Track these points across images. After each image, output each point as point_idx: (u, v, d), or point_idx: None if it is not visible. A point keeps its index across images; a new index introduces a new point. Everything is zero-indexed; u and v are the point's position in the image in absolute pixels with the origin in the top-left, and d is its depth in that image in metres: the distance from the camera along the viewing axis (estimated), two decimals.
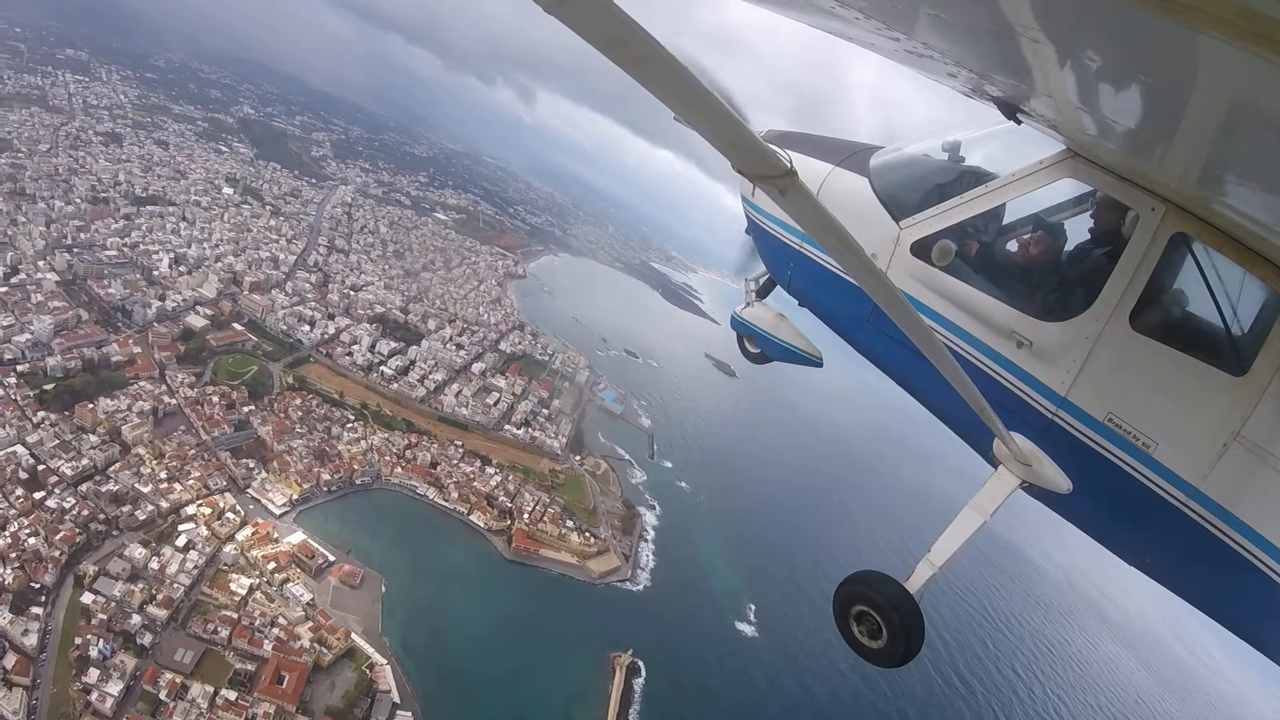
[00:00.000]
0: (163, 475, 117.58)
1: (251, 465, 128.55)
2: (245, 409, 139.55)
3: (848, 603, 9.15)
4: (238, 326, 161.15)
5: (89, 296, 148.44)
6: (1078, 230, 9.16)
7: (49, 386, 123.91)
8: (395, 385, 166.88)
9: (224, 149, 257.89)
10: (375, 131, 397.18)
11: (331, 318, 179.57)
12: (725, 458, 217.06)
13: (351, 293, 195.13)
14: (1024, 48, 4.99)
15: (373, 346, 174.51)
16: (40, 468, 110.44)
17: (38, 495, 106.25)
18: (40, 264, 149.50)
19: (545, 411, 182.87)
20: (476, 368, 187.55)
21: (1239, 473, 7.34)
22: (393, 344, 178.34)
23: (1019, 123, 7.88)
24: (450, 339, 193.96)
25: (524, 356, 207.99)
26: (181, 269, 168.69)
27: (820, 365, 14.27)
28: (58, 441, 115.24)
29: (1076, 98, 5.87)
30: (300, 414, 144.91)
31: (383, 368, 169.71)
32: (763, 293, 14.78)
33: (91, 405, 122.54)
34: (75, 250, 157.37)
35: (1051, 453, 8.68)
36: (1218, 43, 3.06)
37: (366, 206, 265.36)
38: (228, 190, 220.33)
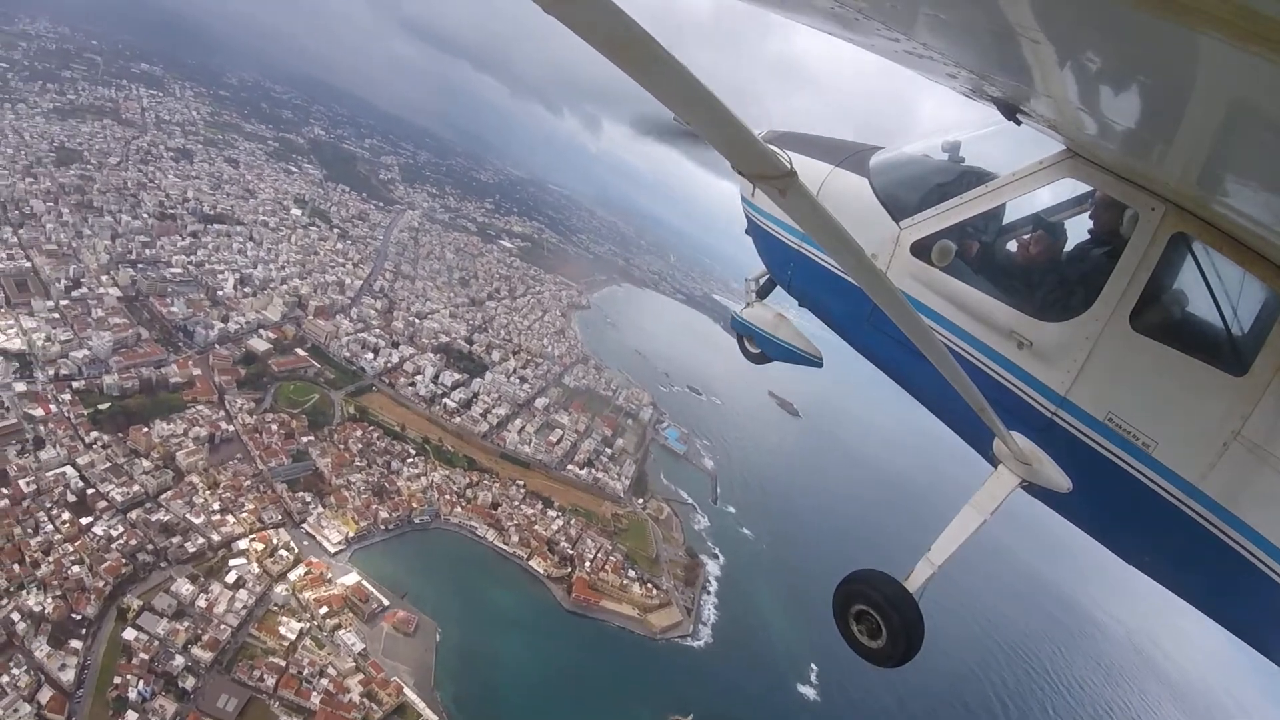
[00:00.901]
0: (216, 506, 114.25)
1: (308, 499, 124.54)
2: (304, 439, 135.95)
3: (847, 602, 8.98)
4: (300, 352, 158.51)
5: (150, 314, 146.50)
6: (1078, 230, 9.18)
7: (104, 406, 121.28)
8: (458, 419, 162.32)
9: (293, 169, 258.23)
10: (443, 156, 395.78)
11: (395, 346, 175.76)
12: (788, 503, 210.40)
13: (416, 320, 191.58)
14: (1024, 48, 4.95)
15: (436, 377, 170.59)
16: (89, 491, 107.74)
17: (85, 520, 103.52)
18: (103, 279, 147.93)
19: (608, 451, 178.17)
20: (540, 402, 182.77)
21: (1239, 472, 7.30)
22: (456, 375, 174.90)
23: (1019, 123, 7.80)
24: (514, 371, 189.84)
25: (588, 391, 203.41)
26: (246, 290, 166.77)
27: (820, 365, 14.27)
28: (109, 464, 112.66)
29: (1076, 98, 5.80)
30: (360, 446, 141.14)
31: (446, 400, 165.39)
32: (763, 293, 14.67)
33: (146, 429, 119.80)
34: (139, 266, 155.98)
35: (1051, 452, 8.60)
36: (1218, 43, 3.11)
37: (433, 232, 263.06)
38: (296, 211, 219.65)
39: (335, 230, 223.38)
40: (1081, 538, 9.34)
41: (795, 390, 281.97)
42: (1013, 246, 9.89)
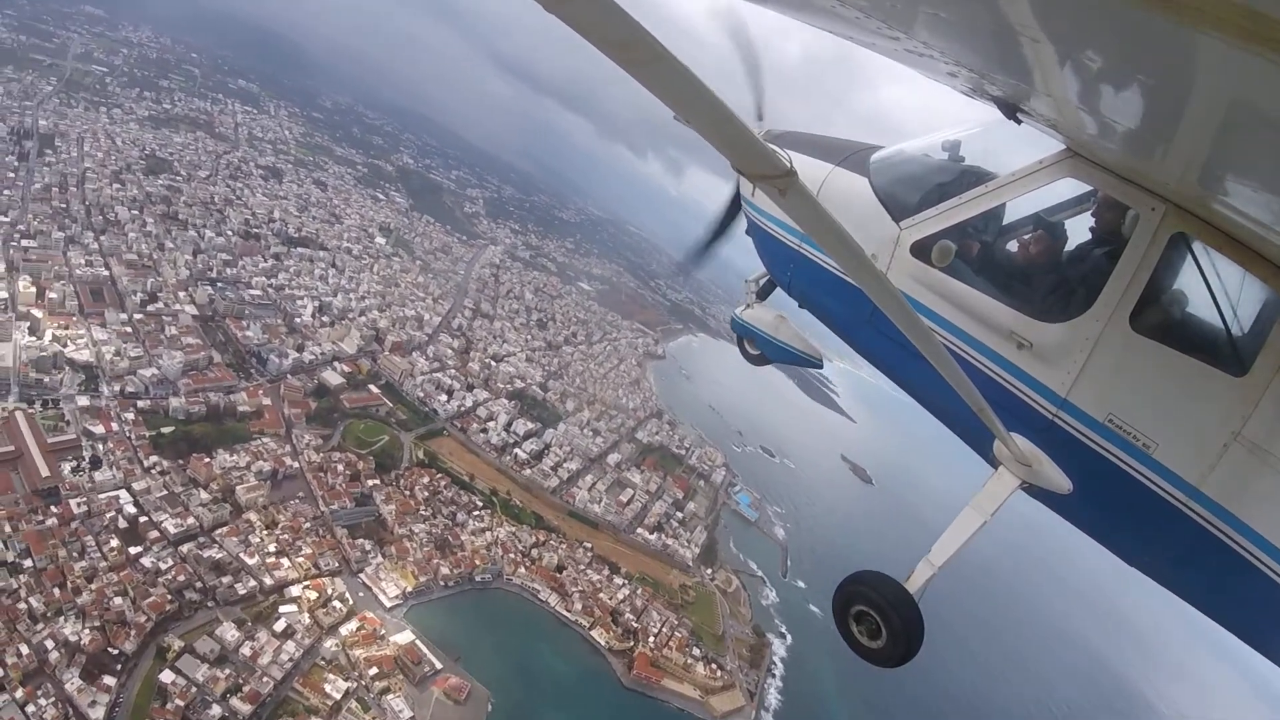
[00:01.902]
0: (271, 548, 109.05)
1: (368, 548, 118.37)
2: (370, 482, 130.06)
3: (847, 603, 9.05)
4: (374, 389, 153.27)
5: (225, 336, 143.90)
6: (1078, 230, 9.25)
7: (167, 429, 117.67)
8: (528, 471, 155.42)
9: (380, 196, 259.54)
10: (526, 192, 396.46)
11: (470, 389, 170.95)
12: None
13: (493, 363, 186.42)
14: (1024, 48, 5.01)
15: (509, 425, 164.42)
16: (142, 519, 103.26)
17: (133, 550, 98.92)
18: (180, 295, 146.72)
19: (679, 515, 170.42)
20: (612, 458, 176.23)
21: (1239, 473, 7.36)
22: (529, 424, 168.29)
23: (1019, 122, 7.75)
24: (588, 423, 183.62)
25: (660, 449, 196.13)
26: (324, 319, 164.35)
27: (820, 366, 14.76)
28: (165, 493, 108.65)
29: (1076, 97, 5.85)
30: (427, 494, 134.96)
31: (517, 450, 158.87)
32: (763, 294, 14.75)
33: (208, 459, 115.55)
34: (218, 285, 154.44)
35: (1052, 453, 8.67)
36: (1218, 43, 3.16)
37: (514, 269, 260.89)
38: (380, 240, 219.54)
39: (418, 262, 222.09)
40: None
41: (868, 452, 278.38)
42: (1013, 247, 9.86)
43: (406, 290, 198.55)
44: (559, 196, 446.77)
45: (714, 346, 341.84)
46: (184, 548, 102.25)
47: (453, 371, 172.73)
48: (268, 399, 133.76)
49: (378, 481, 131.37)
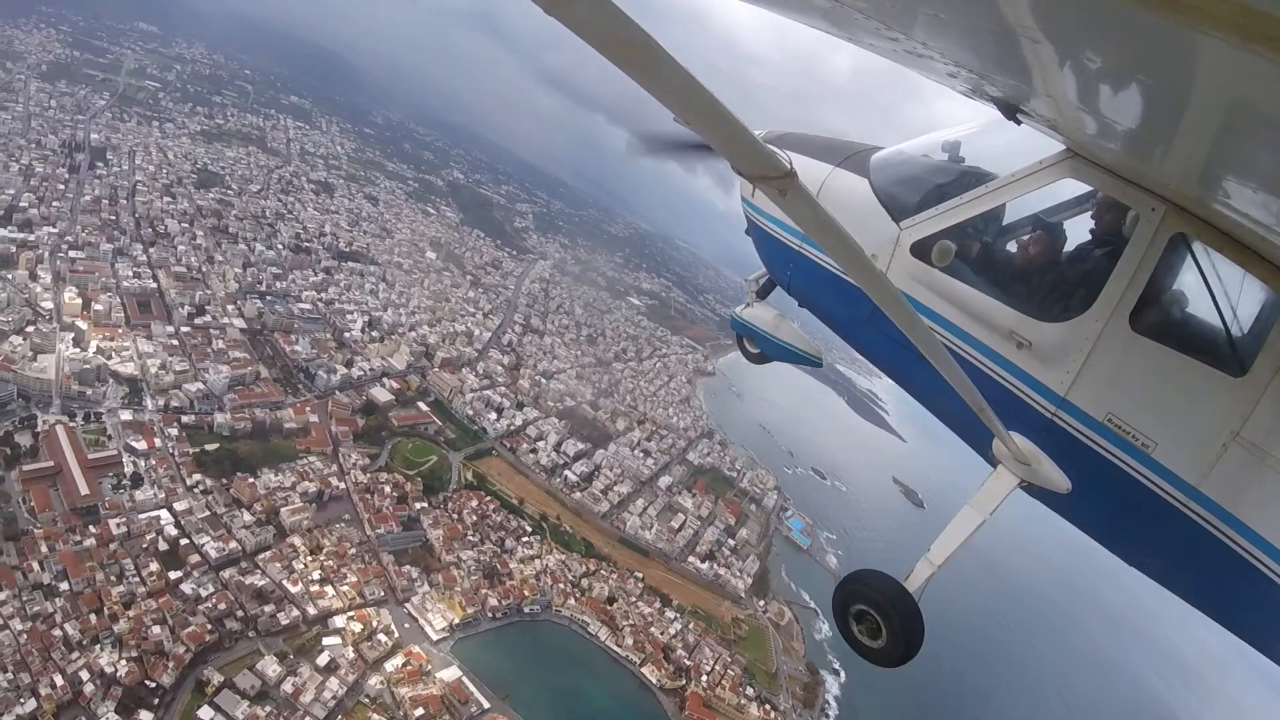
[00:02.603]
0: (315, 575, 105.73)
1: (414, 576, 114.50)
2: (417, 505, 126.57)
3: (847, 602, 8.96)
4: (423, 406, 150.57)
5: (273, 351, 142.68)
6: (1077, 230, 9.29)
7: (211, 447, 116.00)
8: (578, 494, 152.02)
9: (431, 211, 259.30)
10: (575, 207, 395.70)
11: (520, 407, 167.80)
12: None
13: (542, 380, 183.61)
14: (1024, 48, 5.00)
15: (559, 445, 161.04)
16: (183, 542, 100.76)
17: (173, 575, 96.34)
18: (229, 308, 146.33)
19: (730, 542, 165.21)
20: (663, 481, 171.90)
21: (1238, 473, 7.41)
22: (580, 445, 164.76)
23: (1019, 123, 7.74)
24: (638, 443, 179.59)
25: (712, 470, 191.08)
26: (374, 334, 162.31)
27: (820, 365, 14.70)
28: (208, 514, 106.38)
29: (1076, 98, 5.88)
30: (475, 519, 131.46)
31: (567, 472, 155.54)
32: (763, 293, 14.59)
33: (252, 479, 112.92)
34: (268, 298, 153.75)
35: (1051, 453, 8.67)
36: (1218, 43, 3.15)
37: (563, 284, 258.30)
38: (431, 255, 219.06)
39: (468, 277, 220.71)
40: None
41: (918, 473, 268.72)
42: (1013, 247, 9.96)
43: (457, 305, 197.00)
44: (608, 211, 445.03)
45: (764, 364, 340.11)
46: (225, 573, 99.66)
47: (503, 389, 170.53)
48: (315, 416, 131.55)
49: (425, 504, 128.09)
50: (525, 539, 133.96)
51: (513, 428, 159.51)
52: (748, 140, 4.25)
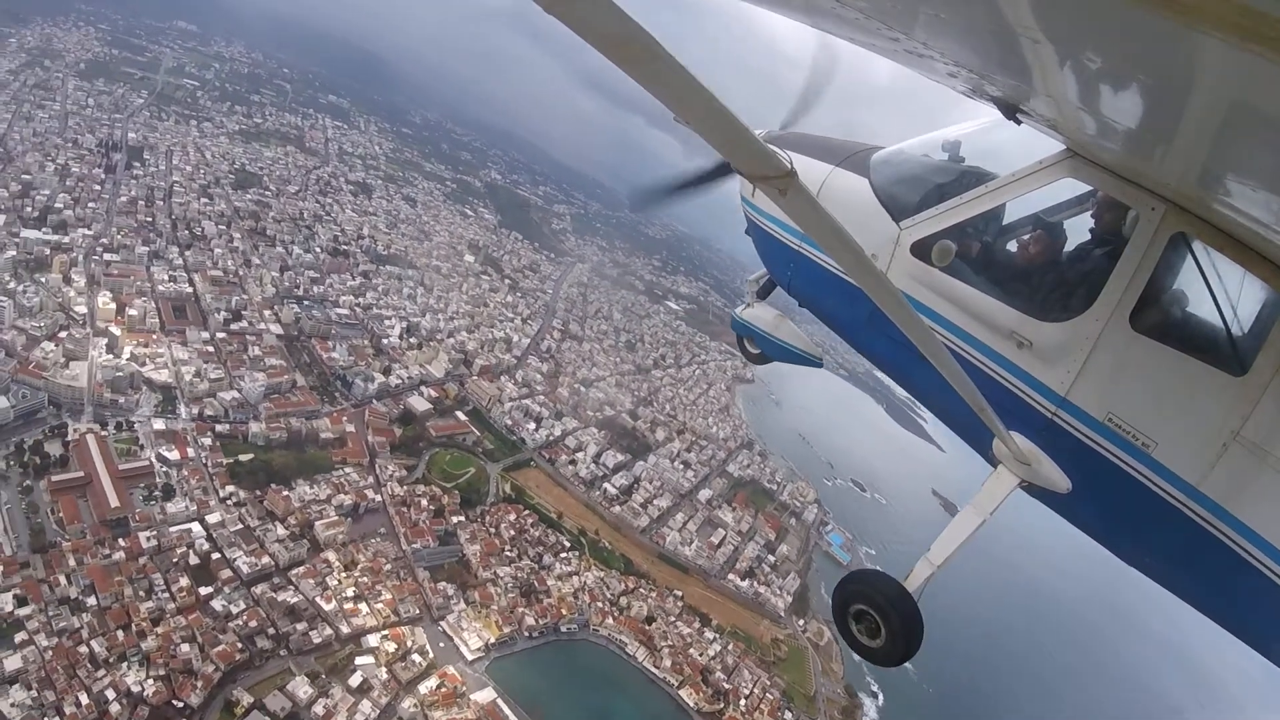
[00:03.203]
0: (350, 592, 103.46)
1: (450, 593, 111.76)
2: (454, 519, 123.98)
3: (847, 602, 9.07)
4: (461, 416, 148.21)
5: (310, 358, 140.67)
6: (1078, 230, 9.32)
7: (245, 457, 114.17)
8: (617, 508, 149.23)
9: (469, 213, 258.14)
10: (613, 208, 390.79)
11: (559, 417, 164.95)
12: (952, 631, 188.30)
13: (582, 389, 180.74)
14: (1024, 48, 4.99)
15: (598, 456, 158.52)
16: (215, 556, 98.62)
17: (204, 590, 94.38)
18: (265, 313, 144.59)
19: (770, 559, 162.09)
20: (703, 494, 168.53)
21: (1239, 473, 7.41)
22: (619, 456, 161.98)
23: (1019, 123, 7.78)
24: (678, 455, 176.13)
25: (752, 483, 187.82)
26: (412, 340, 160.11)
27: (820, 365, 14.68)
28: (240, 527, 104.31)
29: (1076, 98, 5.88)
30: (512, 533, 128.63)
31: (606, 484, 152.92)
32: (763, 293, 14.71)
33: (286, 492, 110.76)
34: (305, 303, 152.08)
35: (1051, 453, 8.70)
36: (1218, 43, 3.17)
37: (602, 288, 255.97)
38: (469, 258, 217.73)
39: (506, 281, 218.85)
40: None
41: (956, 483, 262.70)
42: (1013, 247, 9.99)
43: (495, 310, 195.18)
44: (645, 212, 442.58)
45: (802, 370, 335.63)
46: (257, 589, 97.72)
47: (541, 398, 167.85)
48: (351, 425, 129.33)
49: (462, 518, 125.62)
50: (564, 555, 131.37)
51: (552, 438, 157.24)
52: (748, 140, 4.30)
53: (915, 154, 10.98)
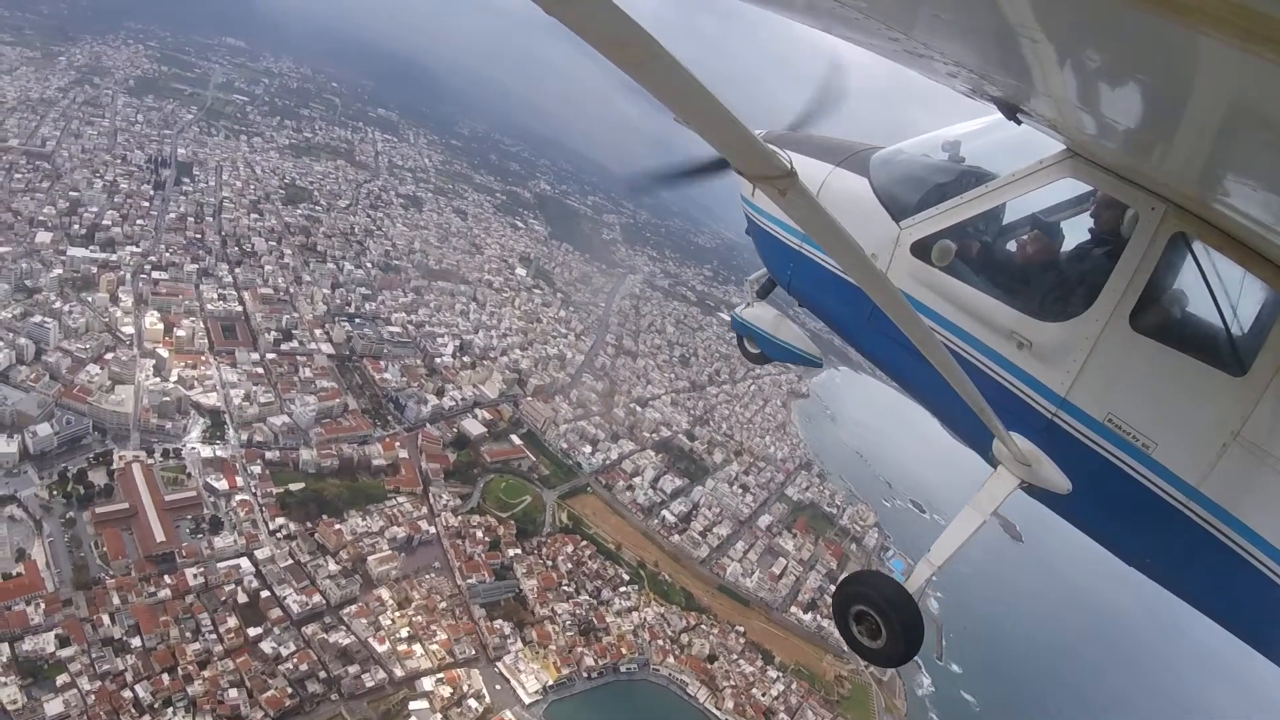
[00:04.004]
0: (404, 631, 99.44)
1: (507, 632, 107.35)
2: (510, 552, 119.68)
3: (847, 603, 9.19)
4: (516, 440, 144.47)
5: (362, 379, 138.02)
6: (1078, 230, 9.28)
7: (296, 486, 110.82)
8: (676, 537, 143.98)
9: (520, 224, 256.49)
10: (661, 217, 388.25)
11: (615, 439, 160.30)
12: (1010, 657, 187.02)
13: (637, 409, 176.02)
14: (1024, 48, 4.99)
15: (656, 481, 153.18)
16: (264, 595, 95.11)
17: (253, 632, 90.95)
18: (317, 332, 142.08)
19: (833, 589, 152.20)
20: (763, 520, 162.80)
21: (1239, 473, 7.41)
22: (677, 481, 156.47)
23: (1019, 123, 7.78)
24: (736, 478, 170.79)
25: (811, 507, 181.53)
26: (465, 359, 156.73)
27: (820, 365, 15.94)
28: (290, 562, 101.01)
29: (1076, 98, 5.89)
30: (570, 566, 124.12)
31: (665, 511, 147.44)
32: (763, 293, 14.56)
33: (339, 525, 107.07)
34: (356, 321, 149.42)
35: (1051, 453, 8.68)
36: (1218, 43, 3.18)
37: (654, 300, 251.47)
38: (520, 271, 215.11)
39: (559, 295, 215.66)
40: None
41: (1016, 504, 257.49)
42: (1013, 246, 9.98)
43: (548, 326, 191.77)
44: (694, 221, 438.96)
45: (856, 381, 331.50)
46: (308, 629, 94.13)
47: (597, 418, 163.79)
48: (404, 451, 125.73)
49: (519, 550, 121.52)
50: (622, 589, 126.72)
51: (608, 462, 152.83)
52: (748, 140, 4.30)
53: (915, 154, 10.95)
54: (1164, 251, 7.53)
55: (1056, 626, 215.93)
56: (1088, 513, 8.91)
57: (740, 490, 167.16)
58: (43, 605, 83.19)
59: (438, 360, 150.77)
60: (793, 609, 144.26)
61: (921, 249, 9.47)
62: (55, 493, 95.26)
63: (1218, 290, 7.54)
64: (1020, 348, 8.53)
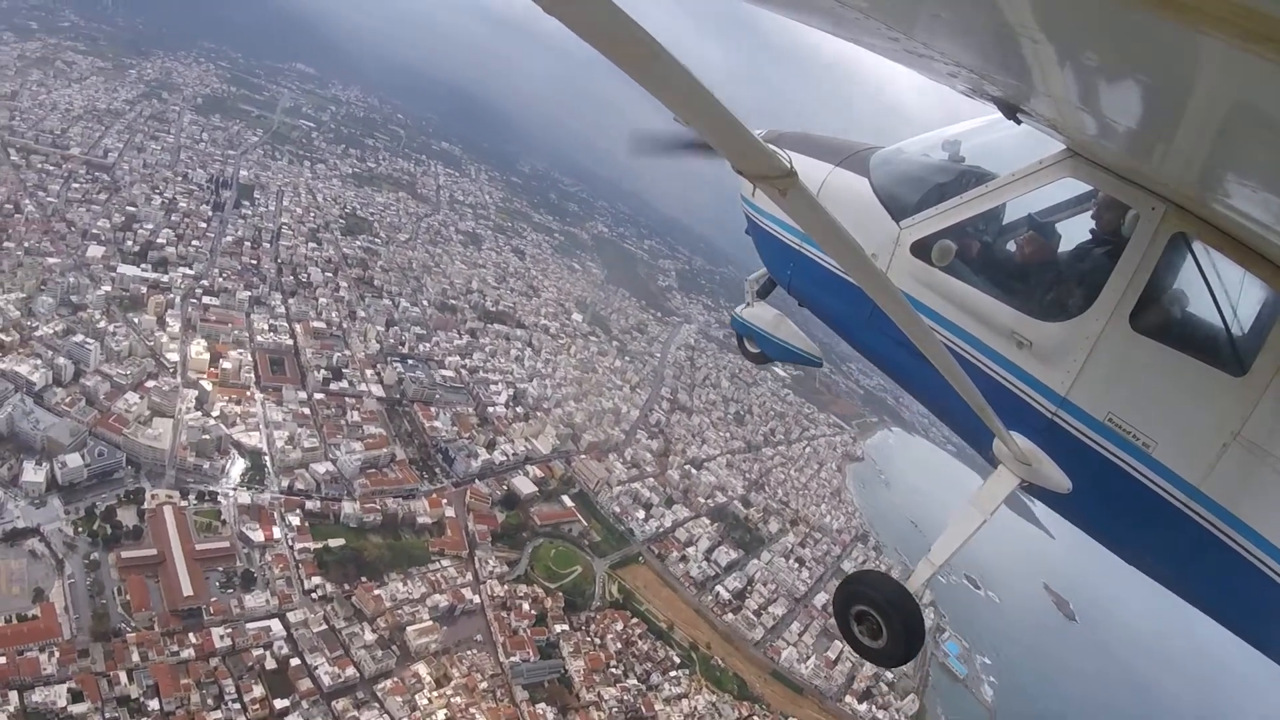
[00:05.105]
0: (441, 714, 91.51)
1: (550, 718, 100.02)
2: (557, 627, 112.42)
3: (848, 602, 9.06)
4: (567, 501, 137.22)
5: (411, 426, 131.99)
6: (1078, 230, 9.27)
7: (335, 543, 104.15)
8: (729, 616, 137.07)
9: (577, 267, 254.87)
10: (716, 264, 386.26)
11: (670, 503, 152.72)
12: None
13: (692, 471, 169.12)
14: (1024, 48, 5.00)
15: (710, 553, 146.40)
16: (294, 662, 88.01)
17: (279, 704, 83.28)
18: (368, 372, 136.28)
19: (889, 675, 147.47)
20: (819, 598, 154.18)
21: (1239, 473, 7.43)
22: (731, 553, 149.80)
23: (1019, 122, 7.81)
24: (791, 550, 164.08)
25: None
26: (518, 409, 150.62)
27: (820, 365, 14.74)
28: (325, 628, 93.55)
29: (1076, 98, 5.88)
30: (619, 645, 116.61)
31: (719, 587, 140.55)
32: (763, 293, 14.62)
33: (378, 590, 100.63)
34: (409, 362, 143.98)
35: (1051, 452, 8.64)
36: (1218, 43, 3.19)
37: (708, 351, 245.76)
38: (577, 316, 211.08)
39: (615, 343, 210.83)
40: None
41: (1068, 578, 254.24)
42: (1013, 246, 9.95)
43: (604, 376, 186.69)
44: (748, 267, 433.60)
45: (910, 444, 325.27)
46: (338, 704, 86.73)
47: (651, 481, 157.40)
48: (451, 509, 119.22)
49: (566, 626, 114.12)
50: (673, 673, 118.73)
51: (661, 529, 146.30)
52: (748, 140, 4.35)
53: (915, 153, 10.85)
54: (1164, 251, 7.48)
55: (1109, 715, 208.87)
56: (1088, 512, 8.80)
57: (796, 565, 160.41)
58: (57, 654, 77.30)
59: (490, 409, 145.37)
60: (847, 698, 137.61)
61: (921, 249, 9.37)
62: (80, 530, 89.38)
63: (1218, 290, 7.49)
64: (1020, 347, 8.49)
